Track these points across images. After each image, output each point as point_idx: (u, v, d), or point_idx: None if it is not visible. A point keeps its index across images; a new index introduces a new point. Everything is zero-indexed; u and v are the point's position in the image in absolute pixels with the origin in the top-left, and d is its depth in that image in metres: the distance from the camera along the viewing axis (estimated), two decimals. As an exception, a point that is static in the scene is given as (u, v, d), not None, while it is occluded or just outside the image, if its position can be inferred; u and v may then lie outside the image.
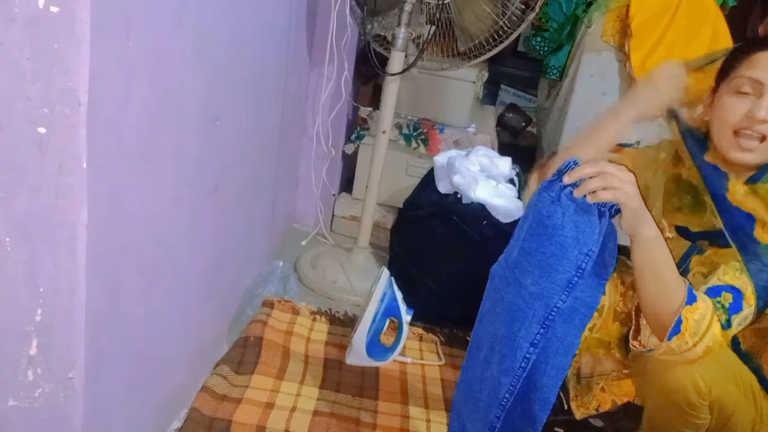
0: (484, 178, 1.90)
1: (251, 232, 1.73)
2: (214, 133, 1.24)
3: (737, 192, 1.19)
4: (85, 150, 0.78)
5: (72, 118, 0.76)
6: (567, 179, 0.99)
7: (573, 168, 1.00)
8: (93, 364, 0.91)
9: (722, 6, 2.41)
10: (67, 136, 0.77)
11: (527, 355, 1.03)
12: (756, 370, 1.25)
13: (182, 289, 1.25)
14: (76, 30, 0.73)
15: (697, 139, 1.25)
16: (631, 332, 1.19)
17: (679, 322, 1.07)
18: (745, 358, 1.25)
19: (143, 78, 0.90)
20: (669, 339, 1.08)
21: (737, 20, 2.53)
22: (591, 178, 0.99)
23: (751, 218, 1.16)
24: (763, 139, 1.13)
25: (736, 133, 1.15)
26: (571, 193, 0.99)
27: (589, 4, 2.41)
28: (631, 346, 1.19)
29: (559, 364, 1.06)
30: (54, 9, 0.72)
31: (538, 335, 1.02)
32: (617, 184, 0.98)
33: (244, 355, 1.54)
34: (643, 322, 1.16)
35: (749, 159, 1.16)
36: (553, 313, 1.01)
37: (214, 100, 1.21)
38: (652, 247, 1.06)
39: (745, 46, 1.19)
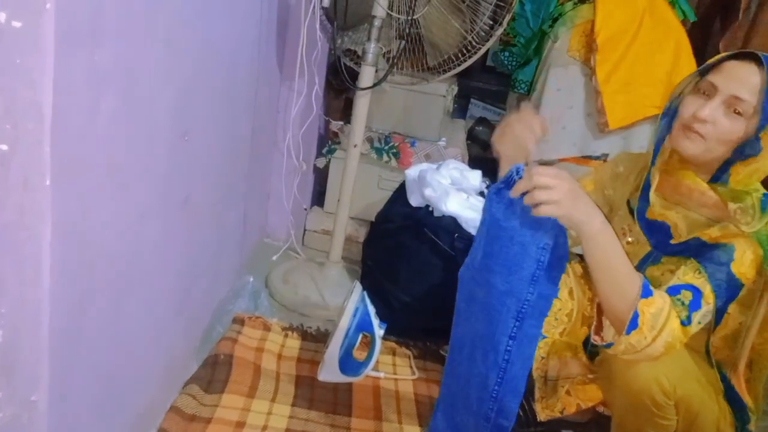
0: (455, 191, 1.91)
1: (222, 246, 1.71)
2: (184, 147, 1.23)
3: (655, 205, 1.29)
4: (48, 165, 0.76)
5: (36, 133, 0.75)
6: (512, 194, 1.08)
7: (515, 178, 1.08)
8: (58, 385, 0.88)
9: (684, 21, 2.47)
10: (31, 152, 0.75)
11: (508, 348, 1.12)
12: (724, 379, 1.28)
13: (152, 305, 1.22)
14: (40, 44, 0.72)
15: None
16: (593, 327, 1.21)
17: (636, 315, 1.09)
18: (718, 367, 1.28)
19: (111, 92, 0.89)
20: (627, 333, 1.10)
21: (698, 35, 2.61)
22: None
23: (666, 229, 1.27)
24: (702, 137, 1.20)
25: (684, 127, 1.22)
26: (521, 199, 1.08)
27: (555, 20, 2.45)
28: (592, 340, 1.21)
29: (524, 354, 1.15)
30: (16, 24, 0.70)
31: (515, 328, 1.11)
32: (545, 198, 1.03)
33: (214, 373, 1.52)
34: (605, 319, 1.18)
35: (691, 149, 1.22)
36: (524, 307, 1.10)
37: (184, 114, 1.20)
38: (599, 242, 1.09)
39: (724, 56, 1.24)
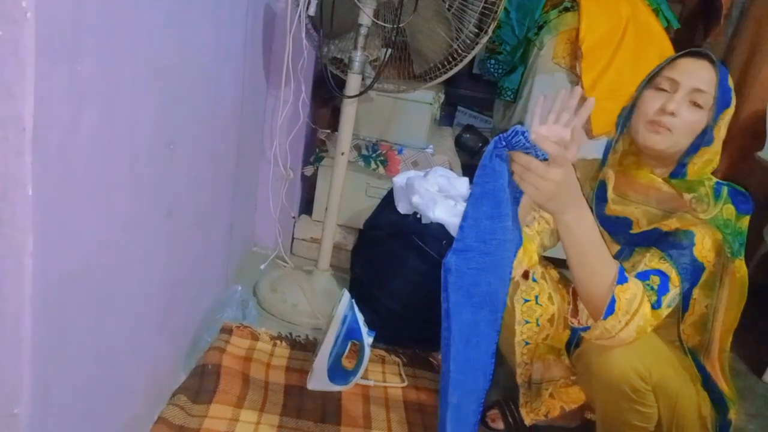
0: (443, 199, 1.92)
1: (208, 256, 1.70)
2: (168, 157, 1.22)
3: (612, 202, 1.34)
4: (30, 176, 0.76)
5: (17, 144, 0.74)
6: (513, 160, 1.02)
7: (522, 140, 1.00)
8: (40, 399, 0.87)
9: (667, 28, 2.50)
10: (12, 163, 0.75)
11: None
12: (700, 368, 1.30)
13: (136, 317, 1.21)
14: (20, 54, 0.71)
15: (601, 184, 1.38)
16: (570, 311, 1.23)
17: (613, 301, 1.11)
18: (693, 355, 1.30)
19: (93, 103, 0.89)
20: (604, 318, 1.12)
21: (682, 42, 2.63)
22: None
23: (627, 221, 1.31)
24: (670, 130, 1.24)
25: (650, 123, 1.26)
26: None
27: (540, 28, 2.47)
28: (570, 322, 1.23)
29: None
30: (-4, 33, 0.70)
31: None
32: (531, 189, 1.00)
33: (202, 383, 1.51)
34: (581, 304, 1.20)
35: (660, 143, 1.26)
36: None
37: (168, 124, 1.19)
38: (572, 229, 1.08)
39: (672, 56, 1.32)
